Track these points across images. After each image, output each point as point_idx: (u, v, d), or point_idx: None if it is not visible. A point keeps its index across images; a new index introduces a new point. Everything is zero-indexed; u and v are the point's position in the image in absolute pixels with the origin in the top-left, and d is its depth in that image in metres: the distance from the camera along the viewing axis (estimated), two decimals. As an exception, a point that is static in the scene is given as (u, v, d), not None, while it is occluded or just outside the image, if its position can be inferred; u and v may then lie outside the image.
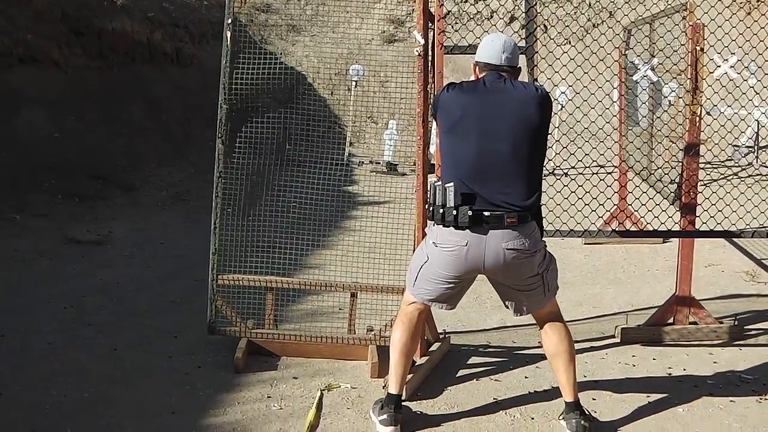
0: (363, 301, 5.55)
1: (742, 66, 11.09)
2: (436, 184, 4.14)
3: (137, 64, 13.71)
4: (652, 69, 7.14)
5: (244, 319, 5.44)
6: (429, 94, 5.17)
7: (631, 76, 7.78)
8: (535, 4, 5.36)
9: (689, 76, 5.75)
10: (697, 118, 5.74)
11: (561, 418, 4.44)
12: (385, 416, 4.31)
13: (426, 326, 5.23)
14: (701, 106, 5.80)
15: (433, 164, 5.20)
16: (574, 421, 4.32)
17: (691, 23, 5.81)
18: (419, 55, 5.10)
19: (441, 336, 5.57)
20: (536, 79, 5.30)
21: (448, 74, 5.48)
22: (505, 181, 4.05)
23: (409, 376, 4.74)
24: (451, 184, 4.06)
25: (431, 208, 4.15)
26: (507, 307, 4.45)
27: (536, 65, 5.26)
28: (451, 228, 4.07)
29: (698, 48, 5.73)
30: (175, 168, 12.19)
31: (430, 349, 5.35)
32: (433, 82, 5.25)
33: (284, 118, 5.92)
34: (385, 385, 4.67)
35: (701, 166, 12.77)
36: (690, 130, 5.76)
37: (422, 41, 5.13)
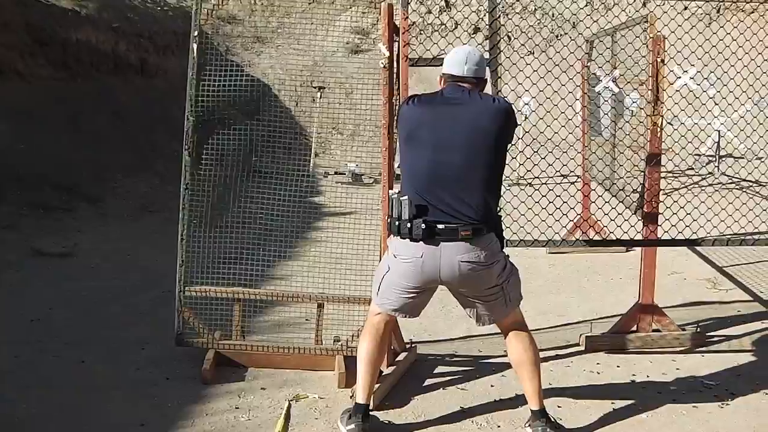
0: (330, 311, 5.58)
1: (702, 77, 11.23)
2: (392, 196, 4.20)
3: (102, 75, 13.64)
4: (614, 80, 7.24)
5: (211, 330, 5.45)
6: (394, 105, 5.22)
7: (593, 87, 7.88)
8: (499, 16, 5.43)
9: (650, 87, 5.85)
10: (659, 129, 5.83)
11: (527, 425, 4.49)
12: (352, 425, 4.34)
13: (393, 336, 5.28)
14: (662, 116, 5.89)
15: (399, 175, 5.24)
16: (540, 428, 4.38)
17: (651, 35, 5.91)
18: (384, 67, 5.15)
19: (408, 346, 5.61)
20: (500, 91, 5.37)
21: (412, 85, 5.52)
22: (459, 193, 4.10)
23: (377, 386, 4.78)
24: (406, 197, 4.12)
25: (390, 220, 4.22)
26: (470, 317, 4.50)
27: (500, 77, 5.32)
28: (407, 240, 4.14)
29: (659, 59, 5.82)
30: (141, 179, 12.14)
31: (396, 359, 5.38)
32: (398, 94, 5.29)
33: (250, 129, 5.94)
34: (352, 395, 4.70)
35: (663, 175, 12.93)
36: (651, 140, 5.85)
37: (387, 53, 5.18)
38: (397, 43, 5.40)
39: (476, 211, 4.10)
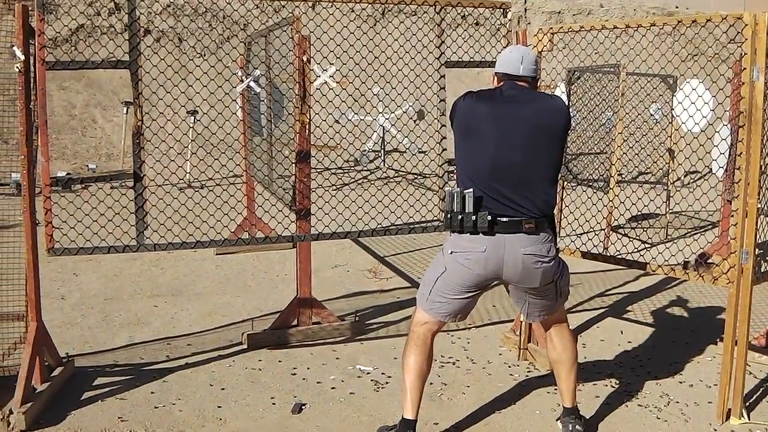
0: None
1: (367, 75, 11.70)
2: (454, 191, 4.12)
3: None
4: (256, 80, 7.34)
5: None
6: (32, 111, 5.03)
7: (235, 87, 7.96)
8: (139, 17, 5.34)
9: (297, 86, 5.98)
10: (306, 126, 5.97)
11: (558, 420, 4.64)
12: None
13: (46, 351, 5.09)
14: (308, 115, 6.00)
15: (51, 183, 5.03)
16: (570, 424, 4.52)
17: (294, 35, 6.03)
18: (20, 71, 4.95)
19: (64, 360, 5.40)
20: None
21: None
22: (521, 189, 4.10)
23: (29, 405, 4.62)
24: (470, 190, 4.08)
25: (449, 216, 4.13)
26: (520, 313, 4.61)
27: (140, 79, 5.24)
28: (469, 234, 4.09)
29: (304, 59, 5.97)
30: None
31: (52, 375, 5.18)
32: (36, 99, 5.08)
33: None
34: None
35: (334, 171, 13.35)
36: (300, 138, 5.99)
37: (22, 57, 4.98)
38: (33, 46, 5.19)
39: (537, 206, 4.11)
